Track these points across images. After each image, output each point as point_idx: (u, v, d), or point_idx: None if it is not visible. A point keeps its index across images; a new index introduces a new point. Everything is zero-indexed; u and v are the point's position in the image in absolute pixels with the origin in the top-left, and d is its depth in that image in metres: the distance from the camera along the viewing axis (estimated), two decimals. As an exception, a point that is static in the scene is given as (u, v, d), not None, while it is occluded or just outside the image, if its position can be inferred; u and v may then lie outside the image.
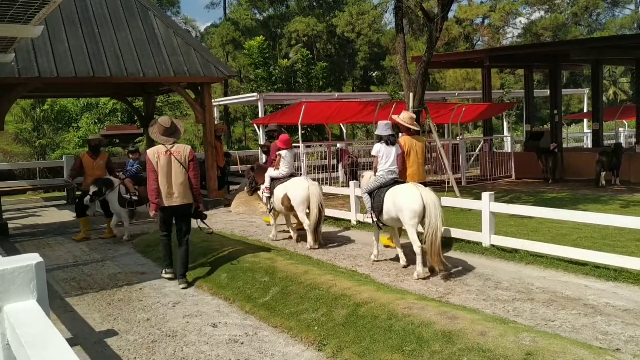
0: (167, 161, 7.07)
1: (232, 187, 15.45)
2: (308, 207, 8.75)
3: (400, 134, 8.28)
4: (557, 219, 8.20)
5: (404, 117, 8.20)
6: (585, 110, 27.78)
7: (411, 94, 11.18)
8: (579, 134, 28.57)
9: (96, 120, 28.21)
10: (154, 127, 7.38)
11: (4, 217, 11.87)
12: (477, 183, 16.26)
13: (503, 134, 24.98)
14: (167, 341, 5.28)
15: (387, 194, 7.32)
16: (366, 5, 44.64)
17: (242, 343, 5.15)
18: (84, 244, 10.07)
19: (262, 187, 9.63)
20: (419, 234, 6.97)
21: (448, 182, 12.04)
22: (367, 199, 7.74)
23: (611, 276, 6.55)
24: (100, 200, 10.23)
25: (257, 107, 20.41)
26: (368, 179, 8.05)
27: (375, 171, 7.69)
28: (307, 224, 8.72)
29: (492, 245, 8.01)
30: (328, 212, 11.22)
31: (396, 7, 11.83)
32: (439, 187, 13.50)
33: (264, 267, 6.94)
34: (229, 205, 13.43)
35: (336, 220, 10.87)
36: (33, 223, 12.84)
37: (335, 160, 17.69)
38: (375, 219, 7.64)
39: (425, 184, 7.84)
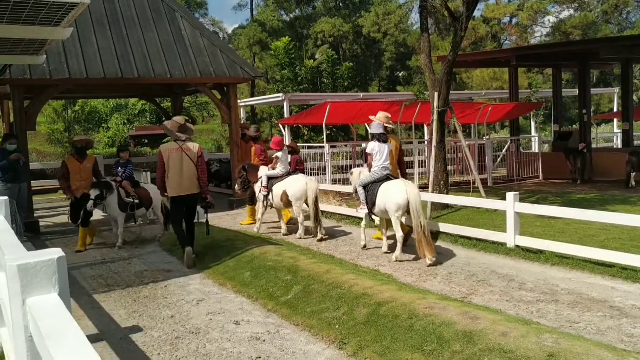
0: (179, 157, 8.04)
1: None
2: (306, 202, 9.72)
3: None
4: (583, 220, 8.09)
5: (380, 117, 8.85)
6: (615, 109, 27.25)
7: (436, 94, 11.12)
8: (609, 134, 28.02)
9: (125, 121, 28.73)
10: (170, 123, 8.49)
11: (35, 215, 12.15)
12: (503, 184, 16.09)
13: (531, 134, 24.66)
14: (190, 338, 5.35)
15: (380, 188, 8.08)
16: (392, 5, 44.46)
17: (263, 341, 5.20)
18: (112, 242, 10.24)
19: (258, 185, 10.32)
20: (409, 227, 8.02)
21: (473, 183, 11.94)
22: (361, 192, 8.41)
23: (638, 278, 6.43)
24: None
25: (282, 107, 20.51)
26: (358, 174, 8.89)
27: (370, 167, 8.39)
28: (300, 218, 9.86)
29: (517, 246, 7.94)
30: (352, 211, 11.25)
31: (421, 6, 11.77)
32: (464, 188, 13.42)
33: (286, 266, 6.98)
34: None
35: (360, 219, 10.85)
36: (64, 221, 13.11)
37: (361, 160, 17.66)
38: (368, 211, 8.33)
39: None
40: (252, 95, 35.35)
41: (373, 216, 8.53)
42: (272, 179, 10.15)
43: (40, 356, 1.92)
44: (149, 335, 5.50)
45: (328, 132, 19.46)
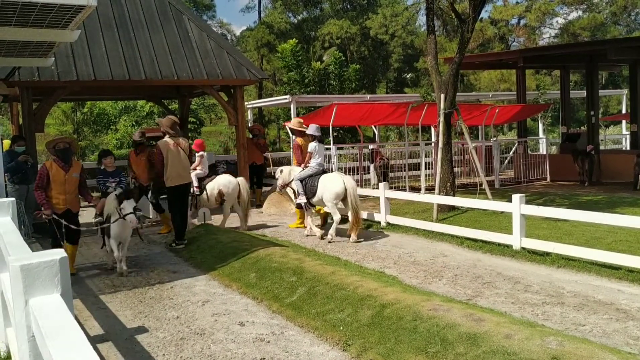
0: (177, 150, 9.32)
1: (264, 189, 15.57)
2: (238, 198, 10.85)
3: (294, 137, 10.83)
4: (590, 222, 8.06)
5: (294, 123, 10.85)
6: (623, 111, 27.08)
7: (442, 96, 11.11)
8: (618, 136, 27.86)
9: (134, 123, 28.82)
10: (164, 120, 9.70)
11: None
12: (510, 185, 16.04)
13: (538, 135, 24.56)
14: (195, 339, 5.37)
15: (320, 180, 9.54)
16: (399, 7, 44.42)
17: (268, 342, 5.21)
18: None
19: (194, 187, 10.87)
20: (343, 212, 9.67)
21: (480, 185, 11.92)
22: (299, 185, 9.75)
23: (646, 281, 6.40)
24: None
25: (289, 109, 20.53)
26: (288, 172, 10.26)
27: (307, 164, 9.84)
28: (241, 214, 10.93)
29: (523, 248, 7.91)
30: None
31: (428, 8, 11.77)
32: (471, 190, 13.40)
33: (292, 268, 6.99)
34: (260, 206, 13.55)
35: (366, 221, 10.87)
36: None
37: (368, 161, 17.68)
38: (306, 201, 9.71)
39: None
40: (260, 97, 35.41)
41: (305, 206, 9.96)
42: (202, 180, 10.98)
43: (42, 356, 1.94)
44: (154, 336, 5.52)
45: (335, 133, 19.47)
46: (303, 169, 10.01)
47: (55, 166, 7.49)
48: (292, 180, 10.04)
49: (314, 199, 9.65)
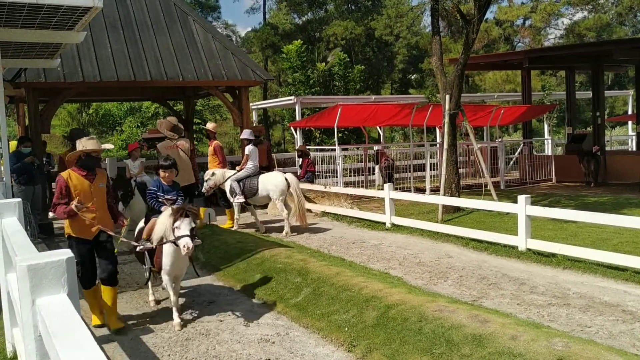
0: (177, 152, 9.30)
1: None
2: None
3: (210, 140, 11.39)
4: (596, 223, 8.03)
5: (212, 126, 11.55)
6: (629, 112, 26.99)
7: (447, 97, 11.10)
8: (623, 137, 27.77)
9: (139, 124, 28.94)
10: (164, 123, 9.73)
11: (50, 217, 12.26)
12: (516, 186, 16.00)
13: (544, 136, 24.50)
14: (200, 339, 5.38)
15: (259, 180, 10.22)
16: (404, 8, 44.36)
17: (273, 343, 5.22)
18: (125, 245, 10.26)
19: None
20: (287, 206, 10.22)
21: (485, 186, 11.89)
22: (237, 186, 10.27)
23: (652, 282, 6.37)
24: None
25: (294, 110, 20.56)
26: (222, 175, 10.53)
27: (244, 166, 10.40)
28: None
29: (529, 249, 7.89)
30: (363, 214, 11.28)
31: (433, 9, 11.76)
32: (476, 191, 13.37)
33: (296, 268, 7.00)
34: (265, 207, 13.56)
35: (371, 222, 10.87)
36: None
37: (373, 162, 17.68)
38: (244, 200, 10.28)
39: None
40: (265, 98, 35.46)
41: (236, 209, 10.55)
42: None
43: (49, 355, 1.95)
44: (159, 336, 5.54)
45: (340, 134, 19.48)
46: (239, 171, 10.51)
47: (75, 175, 5.50)
48: (226, 181, 10.48)
49: (254, 198, 10.41)
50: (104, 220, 5.64)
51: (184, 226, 5.44)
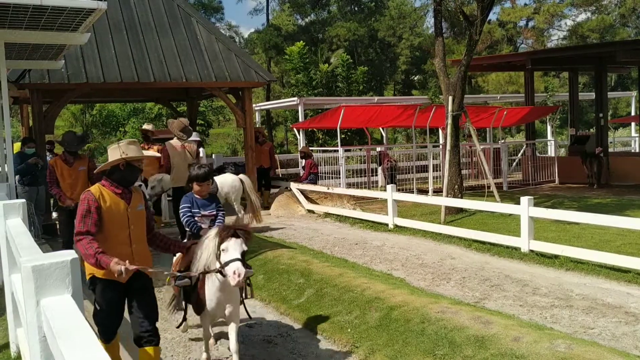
0: (183, 152, 9.48)
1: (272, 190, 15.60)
2: None
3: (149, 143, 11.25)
4: (599, 225, 8.01)
5: (151, 127, 11.56)
6: (633, 113, 26.94)
7: (450, 98, 11.10)
8: (627, 138, 27.72)
9: (142, 125, 28.98)
10: (175, 122, 9.78)
11: (53, 217, 12.30)
12: (519, 188, 15.99)
13: (547, 138, 24.48)
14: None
15: (216, 183, 9.84)
16: (407, 9, 44.40)
17: (276, 344, 5.23)
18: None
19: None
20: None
21: (488, 187, 11.89)
22: None
23: (655, 284, 6.36)
24: None
25: (297, 111, 20.58)
26: (169, 180, 9.98)
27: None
28: None
29: (531, 251, 7.89)
30: (366, 215, 11.28)
31: (436, 10, 11.77)
32: (479, 192, 13.37)
33: (299, 269, 7.01)
34: (268, 208, 13.58)
35: (374, 223, 10.88)
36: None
37: (376, 163, 17.69)
38: None
39: None
40: (268, 99, 35.50)
41: None
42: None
43: (53, 356, 1.97)
44: (162, 337, 5.52)
45: (343, 136, 19.47)
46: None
47: (108, 193, 4.09)
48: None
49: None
50: (142, 256, 4.20)
51: (233, 248, 4.12)
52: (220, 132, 37.00)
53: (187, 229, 5.02)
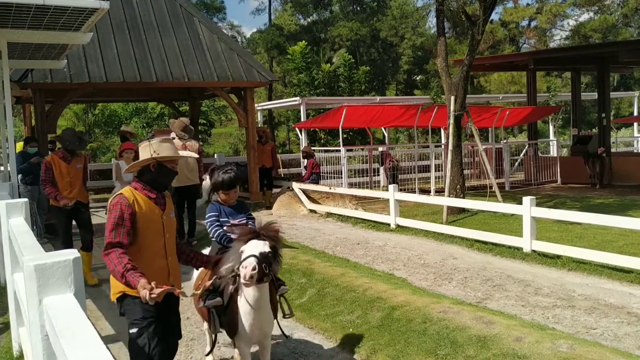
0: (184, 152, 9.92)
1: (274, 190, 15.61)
2: None
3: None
4: (602, 225, 8.00)
5: (129, 128, 11.09)
6: (635, 113, 26.92)
7: (452, 98, 11.09)
8: (629, 138, 27.70)
9: (145, 125, 29.00)
10: (176, 122, 9.85)
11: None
12: (521, 188, 15.97)
13: (549, 138, 24.46)
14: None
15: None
16: (409, 9, 44.39)
17: (278, 343, 5.23)
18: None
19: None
20: None
21: (490, 187, 11.88)
22: None
23: (657, 284, 6.35)
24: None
25: (299, 111, 20.58)
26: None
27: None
28: None
29: (534, 251, 7.88)
30: (368, 215, 11.28)
31: (438, 9, 11.76)
32: (481, 192, 13.35)
33: (301, 269, 7.01)
34: (270, 207, 13.59)
35: (376, 223, 10.87)
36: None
37: (377, 163, 17.69)
38: None
39: None
40: (270, 99, 35.51)
41: None
42: None
43: (55, 355, 1.97)
44: (164, 336, 5.55)
45: (345, 135, 19.48)
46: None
47: (141, 197, 3.65)
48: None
49: None
50: (176, 269, 3.87)
51: (250, 248, 3.71)
52: (222, 131, 37.02)
53: (216, 240, 4.45)
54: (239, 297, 3.91)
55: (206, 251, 4.55)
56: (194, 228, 10.36)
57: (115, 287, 3.58)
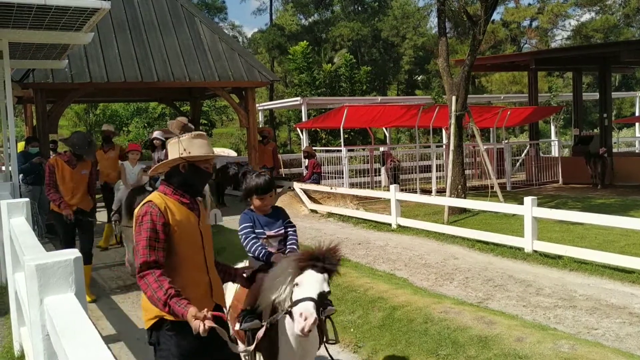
0: None
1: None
2: None
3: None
4: (603, 225, 7.99)
5: (107, 127, 11.03)
6: (637, 114, 26.89)
7: (454, 98, 11.09)
8: (631, 138, 27.68)
9: (146, 125, 29.04)
10: (174, 122, 9.64)
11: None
12: (522, 188, 15.96)
13: (551, 138, 24.44)
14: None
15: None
16: (411, 9, 44.40)
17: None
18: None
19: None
20: None
21: (492, 187, 11.87)
22: None
23: (659, 285, 6.34)
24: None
25: (301, 111, 20.59)
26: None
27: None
28: None
29: (535, 251, 7.87)
30: (369, 215, 11.27)
31: (439, 10, 11.76)
32: (482, 192, 13.34)
33: (302, 269, 7.00)
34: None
35: (377, 223, 10.87)
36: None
37: (379, 163, 17.69)
38: None
39: None
40: (271, 99, 35.53)
41: None
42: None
43: (56, 354, 1.97)
44: (165, 336, 5.55)
45: (346, 136, 19.48)
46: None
47: (173, 203, 3.07)
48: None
49: None
50: (218, 286, 3.24)
51: (309, 284, 3.06)
52: (223, 131, 37.03)
53: (252, 255, 3.75)
54: (279, 325, 3.30)
55: (242, 265, 3.90)
56: None
57: (150, 312, 2.96)
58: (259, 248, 3.68)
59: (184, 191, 3.08)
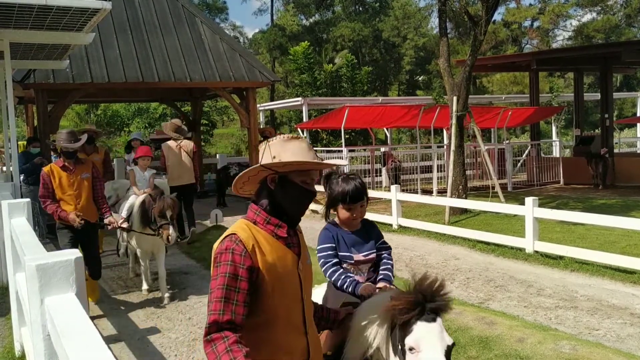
0: (179, 152, 9.65)
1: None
2: None
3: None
4: (604, 226, 7.99)
5: (89, 126, 11.05)
6: (638, 114, 26.86)
7: (455, 98, 11.08)
8: (632, 139, 27.64)
9: (147, 125, 29.07)
10: (168, 125, 10.09)
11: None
12: (523, 189, 15.95)
13: (552, 138, 24.42)
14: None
15: None
16: (412, 9, 44.37)
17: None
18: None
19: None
20: None
21: (493, 188, 11.86)
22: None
23: (660, 285, 6.33)
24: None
25: (301, 111, 20.58)
26: (125, 186, 8.95)
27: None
28: None
29: (536, 252, 7.86)
30: (370, 215, 11.24)
31: (440, 10, 11.76)
32: (483, 192, 13.34)
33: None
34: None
35: (378, 224, 10.84)
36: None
37: (380, 163, 17.68)
38: None
39: None
40: (272, 99, 35.52)
41: None
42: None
43: (57, 354, 1.97)
44: (166, 336, 5.55)
45: (347, 136, 19.48)
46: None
47: (264, 236, 2.20)
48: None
49: None
50: (318, 351, 2.33)
51: (431, 345, 2.16)
52: (224, 132, 37.04)
53: (335, 285, 2.87)
54: None
55: (318, 292, 2.97)
56: (193, 223, 10.07)
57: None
58: (347, 280, 2.80)
59: (280, 219, 2.20)
